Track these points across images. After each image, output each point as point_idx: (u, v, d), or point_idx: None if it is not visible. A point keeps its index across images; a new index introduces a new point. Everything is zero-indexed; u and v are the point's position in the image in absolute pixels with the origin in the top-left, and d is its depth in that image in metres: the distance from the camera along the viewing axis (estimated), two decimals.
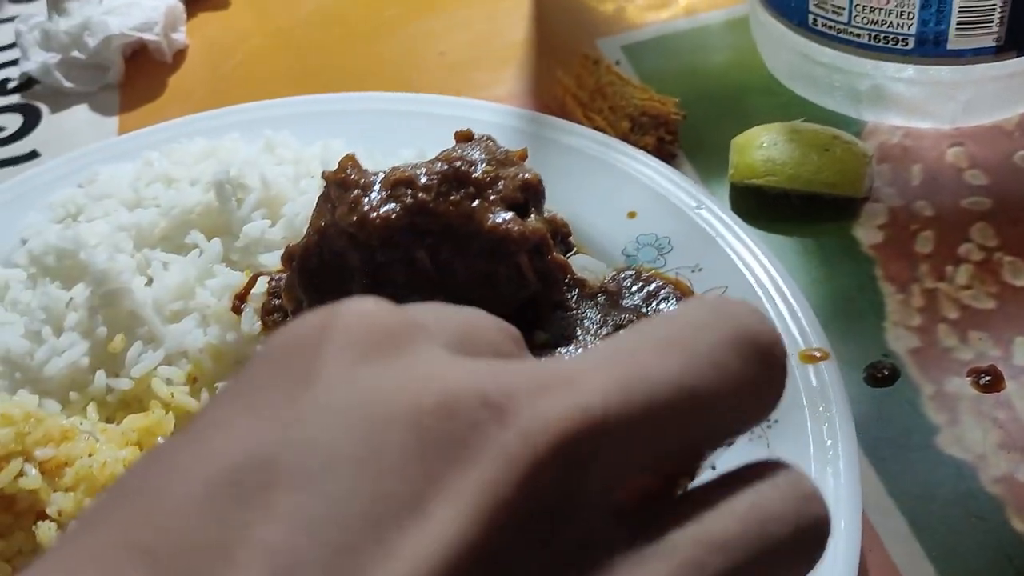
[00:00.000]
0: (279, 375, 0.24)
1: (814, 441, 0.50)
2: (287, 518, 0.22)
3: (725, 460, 0.51)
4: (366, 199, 0.53)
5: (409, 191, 0.53)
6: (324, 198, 0.55)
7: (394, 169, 0.54)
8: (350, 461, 0.22)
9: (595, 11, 0.91)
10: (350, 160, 0.55)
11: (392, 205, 0.53)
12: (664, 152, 0.73)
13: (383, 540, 0.21)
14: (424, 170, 0.54)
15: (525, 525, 0.22)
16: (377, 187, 0.53)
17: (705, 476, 0.27)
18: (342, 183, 0.54)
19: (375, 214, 0.52)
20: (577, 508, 0.23)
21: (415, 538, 0.21)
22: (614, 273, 0.61)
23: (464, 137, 0.57)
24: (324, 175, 0.55)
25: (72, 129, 0.88)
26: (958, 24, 0.67)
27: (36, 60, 0.91)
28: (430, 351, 0.24)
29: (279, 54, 0.94)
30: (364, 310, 0.25)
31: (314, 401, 0.23)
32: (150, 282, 0.63)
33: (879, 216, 0.68)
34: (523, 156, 0.58)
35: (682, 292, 0.59)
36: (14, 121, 0.90)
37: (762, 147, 0.70)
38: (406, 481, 0.22)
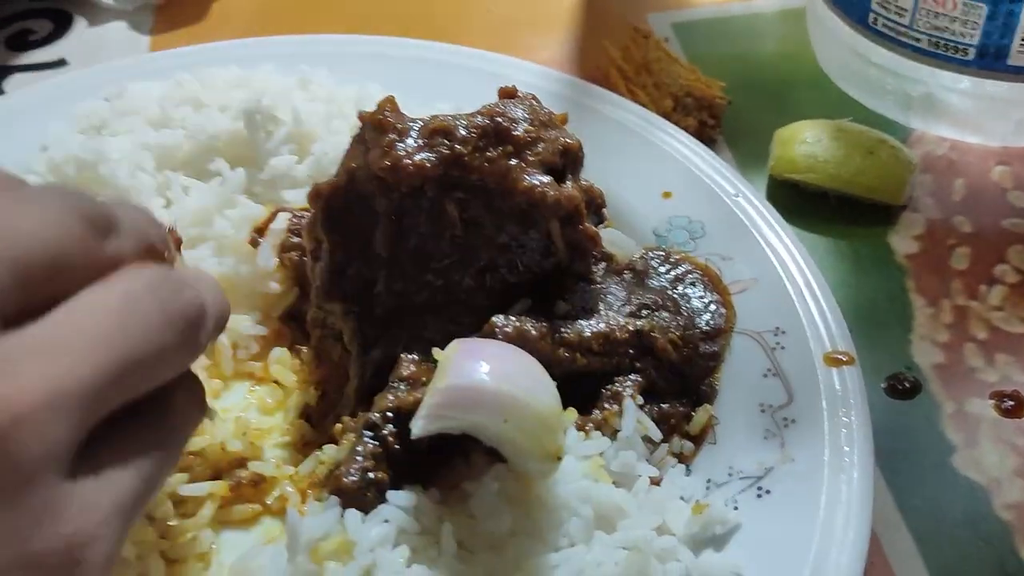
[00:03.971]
0: None
1: (830, 444, 0.49)
2: None
3: (741, 461, 0.50)
4: (401, 144, 0.51)
5: (446, 141, 0.51)
6: (358, 139, 0.54)
7: (433, 117, 0.52)
8: None
9: None
10: (389, 102, 0.53)
11: (427, 154, 0.51)
12: (705, 136, 0.71)
13: None
14: (464, 122, 0.52)
15: None
16: (414, 134, 0.52)
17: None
18: (378, 125, 0.52)
19: (408, 161, 0.51)
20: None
21: None
22: (643, 251, 0.59)
23: (508, 94, 0.55)
24: (360, 116, 0.53)
25: (103, 42, 0.86)
26: (1023, 40, 0.65)
27: None
28: None
29: None
30: None
31: None
32: (169, 204, 0.62)
33: (916, 226, 0.67)
34: (564, 120, 0.56)
35: (710, 279, 0.58)
36: (44, 27, 0.88)
37: (805, 142, 0.68)
38: None
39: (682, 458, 0.51)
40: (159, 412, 0.36)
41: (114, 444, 0.34)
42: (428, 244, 0.52)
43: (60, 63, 0.84)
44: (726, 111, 0.73)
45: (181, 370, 0.37)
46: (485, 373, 0.44)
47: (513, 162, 0.52)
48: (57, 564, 0.31)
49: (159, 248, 0.39)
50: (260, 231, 0.59)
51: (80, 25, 0.88)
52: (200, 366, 0.57)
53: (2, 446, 0.30)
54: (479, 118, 0.53)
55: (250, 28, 0.87)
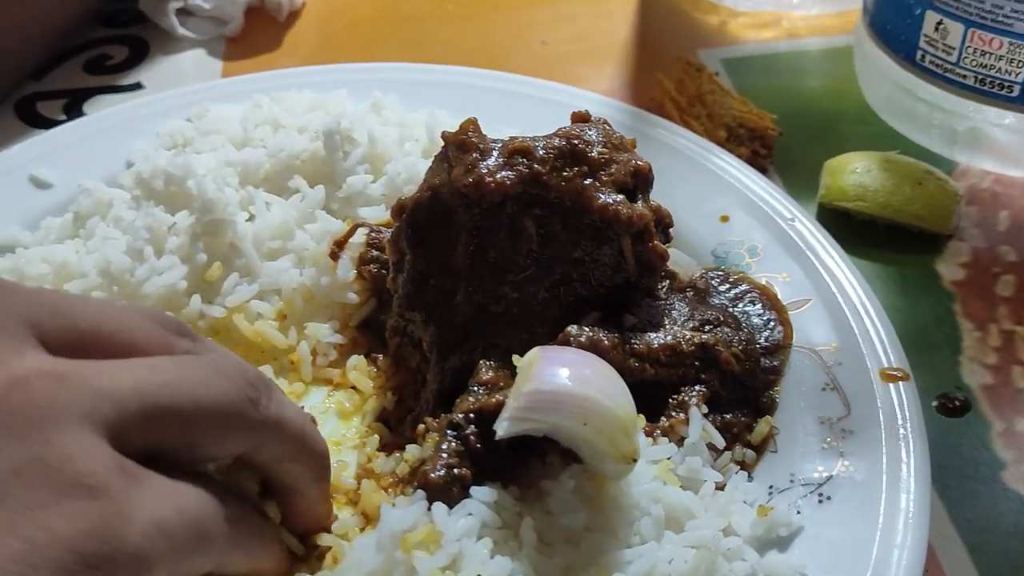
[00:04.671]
0: None
1: (888, 456, 0.51)
2: None
3: (802, 468, 0.52)
4: (483, 163, 0.55)
5: (525, 161, 0.55)
6: (441, 158, 0.57)
7: (513, 138, 0.56)
8: None
9: (699, 21, 0.93)
10: (472, 124, 0.56)
11: (508, 172, 0.54)
12: (757, 165, 0.74)
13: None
14: (542, 143, 0.55)
15: None
16: (495, 153, 0.55)
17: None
18: (462, 145, 0.55)
19: (491, 178, 0.54)
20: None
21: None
22: (703, 271, 0.62)
23: (581, 118, 0.59)
24: (444, 135, 0.57)
25: (178, 68, 0.90)
26: None
27: (155, 1, 0.94)
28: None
29: (385, 23, 0.96)
30: None
31: None
32: (251, 218, 0.65)
33: (962, 254, 0.69)
34: (633, 145, 0.59)
35: (768, 298, 0.61)
36: (121, 52, 0.93)
37: (855, 172, 0.71)
38: None
39: (744, 465, 0.53)
40: None
41: None
42: (506, 258, 0.55)
43: (136, 87, 0.89)
44: (777, 142, 0.76)
45: None
46: (566, 378, 0.47)
47: (588, 181, 0.55)
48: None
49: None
50: (340, 244, 0.62)
51: (156, 52, 0.92)
52: (282, 371, 0.60)
53: None
54: (556, 140, 0.56)
55: (315, 57, 0.91)
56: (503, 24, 0.95)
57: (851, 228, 0.71)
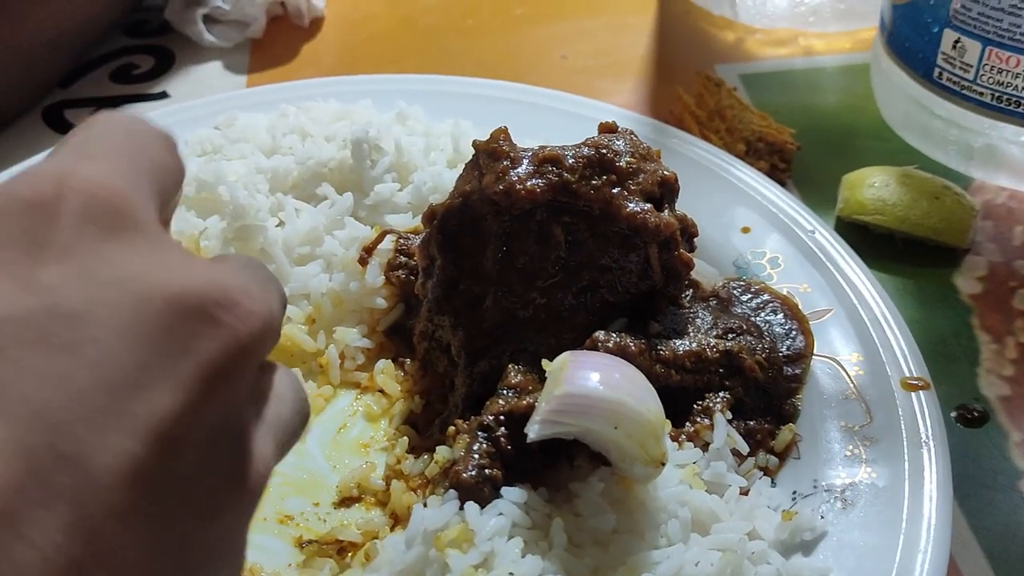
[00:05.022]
0: (16, 232, 0.29)
1: (910, 464, 0.52)
2: (45, 376, 0.27)
3: (825, 474, 0.53)
4: (514, 171, 0.56)
5: (555, 169, 0.56)
6: (472, 165, 0.58)
7: (542, 147, 0.57)
8: (111, 332, 0.28)
9: (716, 37, 0.94)
10: (502, 132, 0.57)
11: (538, 180, 0.55)
12: (775, 178, 0.75)
13: (137, 397, 0.27)
14: (572, 152, 0.56)
15: (229, 387, 0.30)
16: (526, 161, 0.56)
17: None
18: (493, 153, 0.57)
19: (521, 186, 0.55)
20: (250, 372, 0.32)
21: (151, 400, 0.28)
22: (725, 281, 0.63)
23: (608, 128, 0.60)
24: (475, 143, 0.58)
25: (203, 78, 0.92)
26: None
27: (181, 10, 0.95)
28: (158, 234, 0.31)
29: (404, 36, 0.98)
30: (96, 180, 0.30)
31: (68, 272, 0.29)
32: (281, 224, 0.66)
33: (979, 268, 0.70)
34: (659, 155, 0.60)
35: (789, 308, 0.62)
36: (147, 62, 0.94)
37: (873, 186, 0.72)
38: (156, 353, 0.28)
39: (767, 471, 0.54)
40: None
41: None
42: (535, 264, 0.56)
43: (162, 95, 0.90)
44: (795, 156, 0.77)
45: None
46: (597, 382, 0.48)
47: (616, 190, 0.56)
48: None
49: None
50: (369, 250, 0.63)
51: (181, 62, 0.94)
52: (311, 374, 0.61)
53: None
54: (585, 149, 0.57)
55: (337, 67, 0.92)
56: (523, 38, 0.96)
57: (869, 241, 0.72)
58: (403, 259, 0.63)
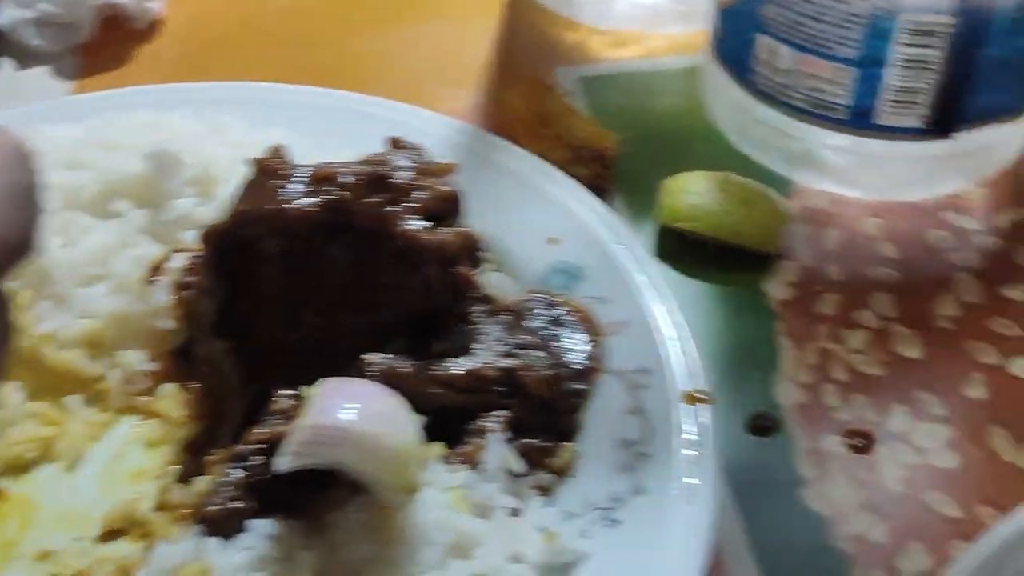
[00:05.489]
0: None
1: (677, 477, 0.52)
2: None
3: (596, 493, 0.52)
4: (287, 190, 0.54)
5: (331, 187, 0.55)
6: (249, 184, 0.57)
7: (320, 165, 0.55)
8: None
9: (559, 40, 0.93)
10: (278, 149, 0.56)
11: (312, 199, 0.54)
12: (598, 185, 0.75)
13: None
14: (350, 169, 0.55)
15: None
16: (301, 179, 0.55)
17: None
18: (266, 170, 0.55)
19: (293, 205, 0.54)
20: None
21: None
22: (525, 294, 0.63)
23: (395, 143, 0.59)
24: (251, 160, 0.56)
25: (29, 88, 0.88)
26: (887, 101, 0.70)
27: (8, 15, 0.92)
28: None
29: (248, 40, 0.95)
30: None
31: None
32: (67, 244, 0.64)
33: (791, 274, 0.71)
34: (448, 169, 0.59)
35: (585, 321, 0.61)
36: None
37: (690, 193, 0.72)
38: None
39: (544, 491, 0.54)
40: None
41: None
42: (311, 285, 0.55)
43: None
44: (621, 162, 0.77)
45: None
46: (345, 411, 0.47)
47: (394, 208, 0.55)
48: None
49: None
50: (156, 269, 0.62)
51: (8, 69, 0.90)
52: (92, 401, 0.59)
53: None
54: (363, 166, 0.56)
55: (175, 73, 0.89)
56: (364, 44, 0.94)
57: (687, 249, 0.72)
58: (192, 278, 0.61)
